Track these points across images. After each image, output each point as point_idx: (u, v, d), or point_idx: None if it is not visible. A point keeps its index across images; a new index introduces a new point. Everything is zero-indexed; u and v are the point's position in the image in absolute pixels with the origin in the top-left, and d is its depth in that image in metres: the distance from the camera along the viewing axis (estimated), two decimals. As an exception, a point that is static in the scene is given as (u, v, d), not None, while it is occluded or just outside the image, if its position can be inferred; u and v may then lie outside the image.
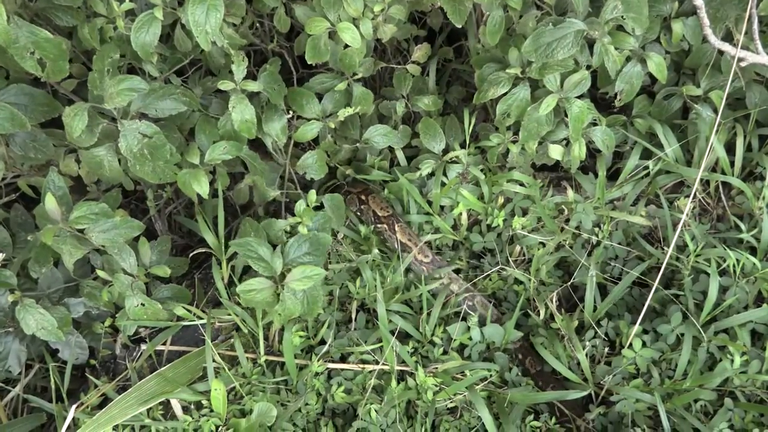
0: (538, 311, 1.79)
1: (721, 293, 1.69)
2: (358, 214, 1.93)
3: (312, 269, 1.42)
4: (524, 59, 1.57)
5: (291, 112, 1.64)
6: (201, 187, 1.47)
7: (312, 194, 1.62)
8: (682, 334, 1.63)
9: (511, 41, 1.61)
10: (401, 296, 1.80)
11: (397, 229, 1.84)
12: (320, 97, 1.71)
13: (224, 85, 1.45)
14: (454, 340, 1.73)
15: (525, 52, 1.45)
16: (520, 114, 1.62)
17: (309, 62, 1.52)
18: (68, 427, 1.56)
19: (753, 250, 1.77)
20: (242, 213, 2.02)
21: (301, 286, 1.44)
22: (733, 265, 1.69)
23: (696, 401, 1.59)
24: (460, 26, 1.55)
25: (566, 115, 1.65)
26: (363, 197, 1.91)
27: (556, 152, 1.76)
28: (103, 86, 1.28)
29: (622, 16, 1.43)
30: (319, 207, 1.74)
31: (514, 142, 1.80)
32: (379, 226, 1.87)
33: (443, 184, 1.88)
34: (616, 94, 1.73)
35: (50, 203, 1.32)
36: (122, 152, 1.33)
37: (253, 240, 1.44)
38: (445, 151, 1.90)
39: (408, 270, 1.87)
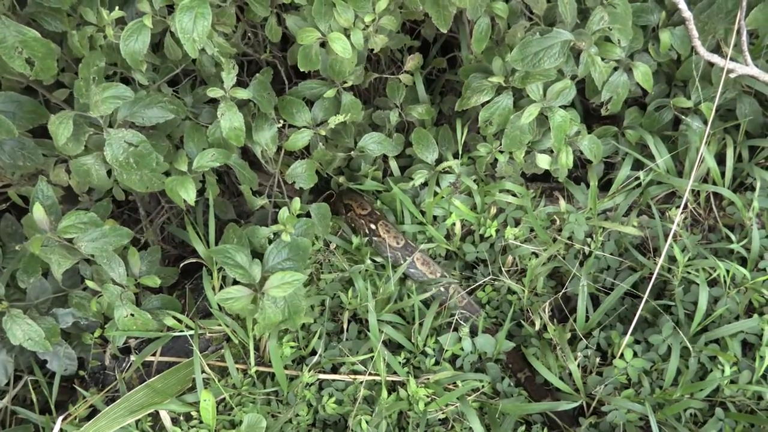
0: (532, 322, 1.79)
1: (712, 303, 1.69)
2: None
3: (291, 275, 1.41)
4: (508, 68, 1.58)
5: (282, 121, 1.64)
6: (188, 194, 1.46)
7: (296, 202, 1.62)
8: (674, 345, 1.64)
9: (496, 51, 1.62)
10: (393, 306, 1.79)
11: (344, 197, 1.92)
12: (311, 106, 1.72)
13: (213, 92, 1.45)
14: (446, 350, 1.73)
15: (512, 60, 1.45)
16: (502, 122, 1.63)
17: (301, 69, 1.52)
18: (55, 439, 1.55)
19: (743, 261, 1.78)
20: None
21: (281, 292, 1.42)
22: (724, 276, 1.69)
23: (686, 410, 1.58)
24: (445, 31, 1.56)
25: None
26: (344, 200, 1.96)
27: (543, 161, 1.76)
28: (90, 94, 1.28)
29: (608, 27, 1.44)
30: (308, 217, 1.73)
31: (502, 151, 1.80)
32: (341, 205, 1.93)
33: (437, 194, 1.88)
34: (602, 103, 1.74)
35: (38, 213, 1.31)
36: (108, 161, 1.33)
37: (231, 247, 1.42)
38: (439, 161, 1.90)
39: (403, 279, 1.86)
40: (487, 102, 1.63)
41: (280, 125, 1.63)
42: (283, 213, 1.58)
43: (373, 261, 1.87)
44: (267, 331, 1.50)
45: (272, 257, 1.49)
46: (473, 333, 1.75)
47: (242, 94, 1.48)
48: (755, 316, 1.65)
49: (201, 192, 1.72)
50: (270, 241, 1.62)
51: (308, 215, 1.71)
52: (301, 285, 1.47)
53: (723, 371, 1.58)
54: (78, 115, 1.32)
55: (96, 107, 1.25)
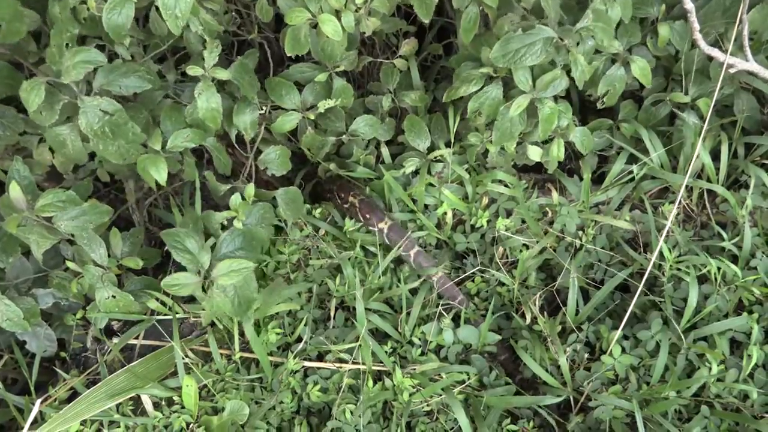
0: (522, 314, 1.77)
1: (702, 301, 1.68)
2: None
3: (239, 263, 1.36)
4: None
5: (264, 108, 1.59)
6: (159, 173, 1.42)
7: (250, 187, 1.57)
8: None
9: (484, 40, 1.59)
10: (380, 295, 1.77)
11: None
12: (301, 89, 1.68)
13: (193, 70, 1.41)
14: (430, 341, 1.71)
15: (493, 57, 1.42)
16: (491, 113, 1.59)
17: (288, 54, 1.48)
18: (35, 421, 1.52)
19: (735, 259, 1.76)
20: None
21: (228, 280, 1.38)
22: (714, 273, 1.68)
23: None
24: (427, 21, 1.52)
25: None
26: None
27: (534, 153, 1.73)
28: (62, 60, 1.24)
29: (591, 26, 1.41)
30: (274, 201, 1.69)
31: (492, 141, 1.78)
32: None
33: (429, 184, 1.85)
34: (599, 97, 1.72)
35: (14, 191, 1.28)
36: (83, 130, 1.28)
37: (182, 231, 1.38)
38: (431, 149, 1.87)
39: (393, 268, 1.84)
40: (476, 92, 1.60)
41: (263, 111, 1.59)
42: (236, 199, 1.54)
43: (363, 248, 1.85)
44: (212, 318, 1.46)
45: (225, 245, 1.45)
46: (456, 324, 1.73)
47: (222, 74, 1.44)
48: (744, 314, 1.65)
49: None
50: (223, 228, 1.58)
51: (274, 201, 1.66)
52: (252, 275, 1.43)
53: (710, 369, 1.58)
54: (52, 82, 1.27)
55: (67, 72, 1.20)
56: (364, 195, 1.84)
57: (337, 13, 1.43)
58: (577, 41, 1.46)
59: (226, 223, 1.57)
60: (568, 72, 1.55)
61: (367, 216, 1.79)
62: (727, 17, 1.63)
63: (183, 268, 1.85)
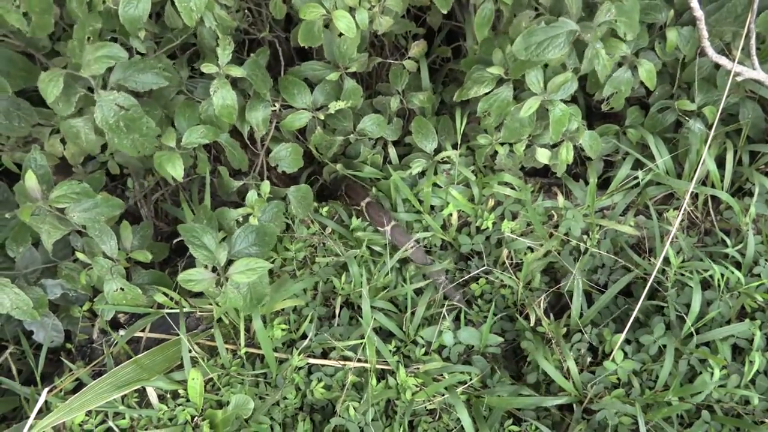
0: (526, 316, 1.78)
1: (705, 307, 1.69)
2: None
3: (257, 261, 1.39)
4: (509, 61, 1.56)
5: (276, 104, 1.61)
6: (175, 170, 1.43)
7: (266, 185, 1.59)
8: (665, 346, 1.64)
9: (495, 42, 1.60)
10: (386, 294, 1.78)
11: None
12: (311, 89, 1.70)
13: (207, 68, 1.42)
14: (434, 341, 1.72)
15: (515, 50, 1.43)
16: (500, 113, 1.61)
17: (301, 44, 1.49)
18: (40, 411, 1.53)
19: (738, 266, 1.78)
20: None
21: (245, 278, 1.41)
22: (718, 279, 1.69)
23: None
24: (445, 12, 1.53)
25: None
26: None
27: (543, 156, 1.75)
28: (83, 54, 1.25)
29: (614, 20, 1.42)
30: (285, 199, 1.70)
31: (502, 143, 1.79)
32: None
33: (435, 185, 1.87)
34: (603, 100, 1.73)
35: (30, 181, 1.29)
36: (98, 123, 1.30)
37: (199, 226, 1.39)
38: (438, 151, 1.88)
39: (399, 267, 1.85)
40: (487, 93, 1.62)
41: (275, 108, 1.60)
42: (251, 196, 1.55)
43: (369, 247, 1.86)
44: (222, 313, 1.47)
45: (239, 241, 1.47)
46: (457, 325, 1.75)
47: (236, 71, 1.45)
48: (747, 320, 1.66)
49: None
50: (238, 224, 1.60)
51: (285, 198, 1.68)
52: (266, 273, 1.45)
53: (712, 374, 1.59)
54: (70, 74, 1.29)
55: (88, 66, 1.22)
56: (372, 198, 1.86)
57: (351, 10, 1.44)
58: (598, 36, 1.47)
59: (240, 219, 1.59)
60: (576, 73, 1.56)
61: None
62: (738, 24, 1.64)
63: (192, 265, 1.87)
